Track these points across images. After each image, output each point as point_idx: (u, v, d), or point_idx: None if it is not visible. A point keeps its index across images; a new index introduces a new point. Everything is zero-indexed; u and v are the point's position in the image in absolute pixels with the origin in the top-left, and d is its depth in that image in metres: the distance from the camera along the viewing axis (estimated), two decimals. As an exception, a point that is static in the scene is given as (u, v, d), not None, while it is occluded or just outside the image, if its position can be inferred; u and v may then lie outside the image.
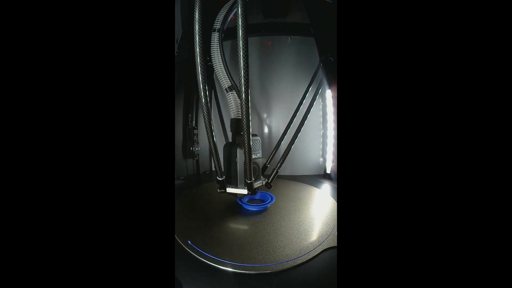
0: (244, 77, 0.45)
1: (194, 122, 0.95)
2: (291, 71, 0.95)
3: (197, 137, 0.95)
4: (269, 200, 0.64)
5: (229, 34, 0.62)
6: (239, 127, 0.59)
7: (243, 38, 0.43)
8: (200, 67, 0.48)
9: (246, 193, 0.60)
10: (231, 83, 0.60)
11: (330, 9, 0.72)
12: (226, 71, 0.60)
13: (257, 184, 0.61)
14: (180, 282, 0.37)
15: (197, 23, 0.45)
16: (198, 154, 0.95)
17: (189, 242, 0.46)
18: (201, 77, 0.49)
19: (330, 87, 0.83)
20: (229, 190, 0.61)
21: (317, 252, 0.44)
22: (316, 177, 0.89)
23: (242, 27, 0.42)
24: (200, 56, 0.48)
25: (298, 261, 0.41)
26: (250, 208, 0.62)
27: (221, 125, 0.81)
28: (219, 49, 0.59)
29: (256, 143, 0.62)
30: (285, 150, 0.75)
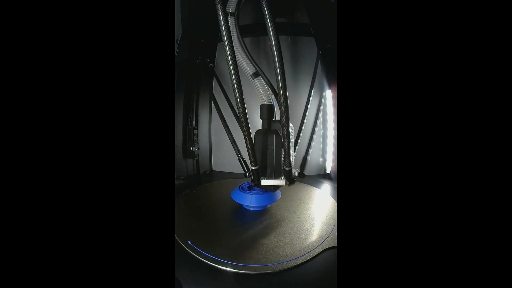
0: (278, 57, 0.43)
1: (194, 122, 0.95)
2: (291, 70, 0.95)
3: (197, 137, 0.95)
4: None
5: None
6: (271, 113, 0.57)
7: (274, 32, 0.42)
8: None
9: (284, 184, 0.55)
10: (255, 69, 0.55)
11: (330, 8, 0.72)
12: (249, 57, 0.55)
13: (294, 173, 0.57)
14: (180, 282, 0.37)
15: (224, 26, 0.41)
16: (198, 154, 0.95)
17: (189, 242, 0.46)
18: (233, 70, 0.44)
19: (330, 87, 0.83)
20: (265, 182, 0.56)
21: (317, 252, 0.44)
22: (316, 177, 0.89)
23: (271, 23, 0.41)
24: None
25: (298, 261, 0.41)
26: (250, 209, 0.61)
27: (223, 123, 0.81)
28: (237, 34, 0.53)
29: (290, 131, 0.55)
30: (305, 153, 0.74)
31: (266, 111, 0.57)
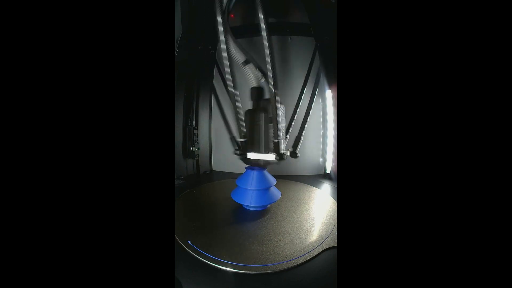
0: (268, 39, 0.48)
1: (194, 122, 0.95)
2: (291, 70, 0.95)
3: (197, 137, 0.95)
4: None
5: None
6: (260, 94, 0.60)
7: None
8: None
9: (272, 159, 0.57)
10: (245, 57, 0.59)
11: (331, 8, 0.72)
12: (239, 47, 0.58)
13: (284, 151, 0.58)
14: (180, 282, 0.37)
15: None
16: (198, 154, 0.95)
17: (189, 242, 0.46)
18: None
19: (330, 87, 0.83)
20: (251, 155, 0.58)
21: (317, 252, 0.44)
22: (316, 177, 0.89)
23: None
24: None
25: (298, 261, 0.41)
26: (250, 209, 0.61)
27: (224, 122, 0.82)
28: (227, 28, 0.57)
29: (281, 110, 0.58)
30: (304, 116, 0.76)
31: (256, 92, 0.61)
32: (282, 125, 0.59)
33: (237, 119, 0.56)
